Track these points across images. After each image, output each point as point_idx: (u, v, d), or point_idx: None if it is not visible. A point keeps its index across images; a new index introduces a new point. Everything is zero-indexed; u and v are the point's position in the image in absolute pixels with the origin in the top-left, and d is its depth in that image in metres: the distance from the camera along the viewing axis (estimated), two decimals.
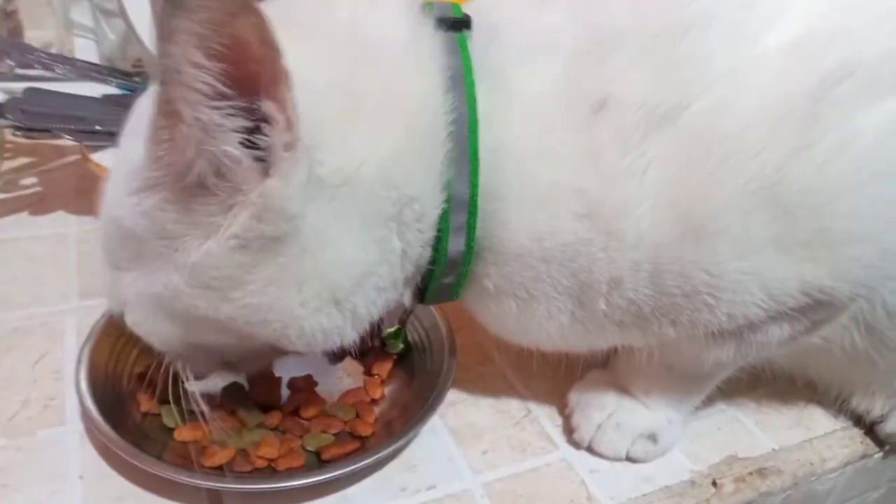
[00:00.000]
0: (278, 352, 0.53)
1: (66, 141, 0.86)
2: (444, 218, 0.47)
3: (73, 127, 0.74)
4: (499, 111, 0.46)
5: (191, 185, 0.40)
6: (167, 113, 0.38)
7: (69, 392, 0.57)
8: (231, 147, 0.39)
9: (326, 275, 0.44)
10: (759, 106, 0.42)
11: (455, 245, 0.47)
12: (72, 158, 0.90)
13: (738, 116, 0.42)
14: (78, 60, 0.84)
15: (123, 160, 0.45)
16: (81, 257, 0.75)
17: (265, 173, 0.40)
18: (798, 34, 0.43)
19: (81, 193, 0.84)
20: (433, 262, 0.48)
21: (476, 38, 0.48)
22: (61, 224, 0.80)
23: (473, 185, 0.46)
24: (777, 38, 0.43)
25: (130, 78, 0.85)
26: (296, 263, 0.43)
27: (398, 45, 0.45)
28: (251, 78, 0.37)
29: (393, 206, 0.45)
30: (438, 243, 0.48)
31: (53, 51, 0.93)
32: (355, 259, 0.45)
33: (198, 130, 0.38)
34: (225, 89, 0.37)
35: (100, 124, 0.75)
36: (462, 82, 0.45)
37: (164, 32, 0.35)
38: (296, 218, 0.41)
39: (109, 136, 0.75)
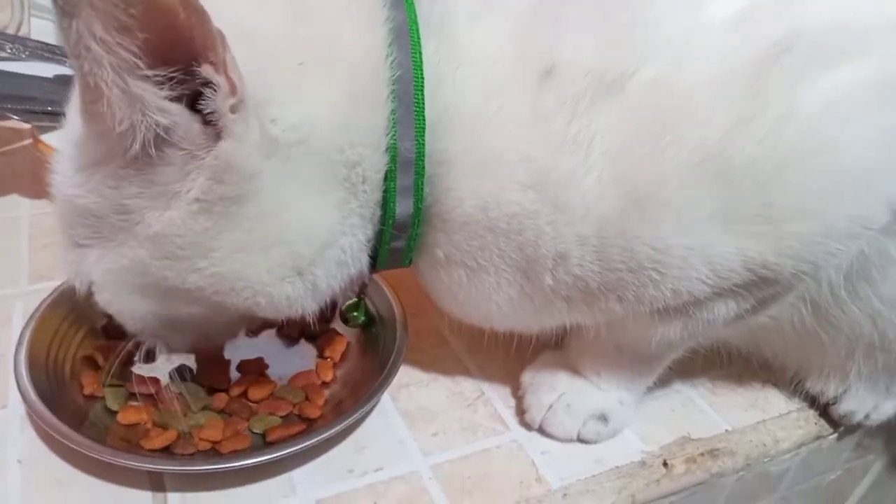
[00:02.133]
0: (251, 320, 0.53)
1: (19, 124, 0.84)
2: (390, 178, 0.46)
3: (22, 107, 0.72)
4: (445, 70, 0.45)
5: (139, 155, 0.39)
6: (88, 87, 0.36)
7: (12, 377, 0.56)
8: (172, 115, 0.38)
9: (289, 241, 0.44)
10: (702, 75, 0.41)
11: (403, 207, 0.47)
12: (27, 142, 0.88)
13: (681, 86, 0.41)
14: (29, 40, 0.82)
15: (69, 136, 0.44)
16: (32, 241, 0.74)
17: (218, 136, 0.39)
18: (744, 3, 0.42)
19: (35, 177, 0.82)
20: (382, 223, 0.48)
21: None
22: (13, 208, 0.79)
23: (419, 145, 0.45)
24: (723, 6, 0.42)
25: None
26: (259, 227, 0.42)
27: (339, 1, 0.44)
28: (183, 43, 0.36)
29: (344, 167, 0.44)
30: (385, 204, 0.47)
31: (9, 31, 0.91)
32: (316, 225, 0.44)
33: (125, 104, 0.37)
34: (146, 60, 0.36)
35: (51, 105, 0.74)
36: (407, 37, 0.44)
37: (64, 8, 0.33)
38: (255, 177, 0.41)
39: (60, 117, 0.73)
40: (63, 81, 0.78)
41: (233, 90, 0.37)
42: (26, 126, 0.88)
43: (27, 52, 0.80)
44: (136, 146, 0.39)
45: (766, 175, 0.42)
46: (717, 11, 0.42)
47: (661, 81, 0.42)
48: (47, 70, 0.79)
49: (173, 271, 0.43)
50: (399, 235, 0.48)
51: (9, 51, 0.79)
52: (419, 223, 0.48)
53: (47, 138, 0.74)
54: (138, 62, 0.35)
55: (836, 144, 0.42)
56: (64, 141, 0.45)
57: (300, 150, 0.42)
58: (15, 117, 0.72)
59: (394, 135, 0.44)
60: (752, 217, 0.43)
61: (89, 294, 0.47)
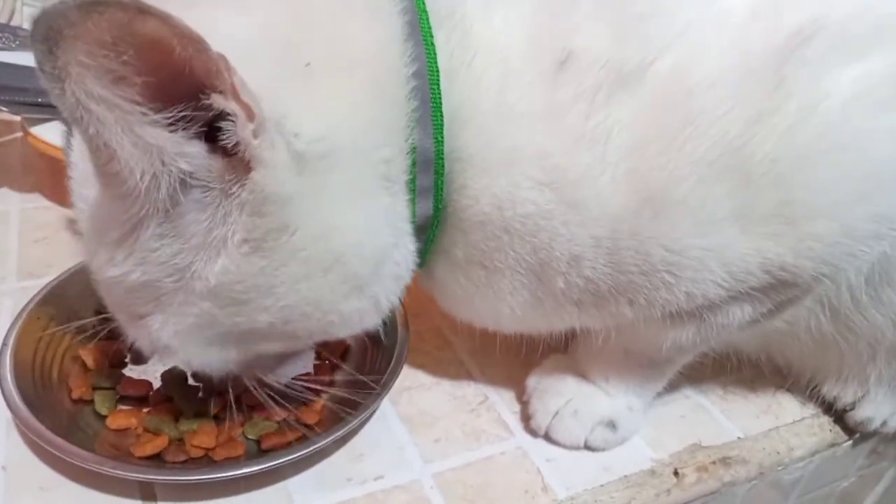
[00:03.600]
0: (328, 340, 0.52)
1: (9, 116, 0.82)
2: (412, 179, 0.44)
3: (11, 98, 0.70)
4: (458, 62, 0.43)
5: (170, 209, 0.37)
6: (99, 149, 0.33)
7: None
8: (193, 155, 0.35)
9: (345, 261, 0.41)
10: (721, 66, 0.39)
11: (423, 208, 0.45)
12: (18, 135, 0.87)
13: (699, 76, 0.39)
14: (20, 29, 0.80)
15: (91, 213, 0.41)
16: (22, 237, 0.71)
17: (247, 167, 0.36)
18: None
19: (26, 170, 0.81)
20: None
21: None
22: (3, 202, 0.76)
23: (438, 142, 0.43)
24: None
25: None
26: (313, 252, 0.40)
27: None
28: (184, 76, 0.32)
29: (379, 168, 0.42)
30: (411, 206, 0.45)
31: (2, 20, 0.89)
32: (367, 238, 0.42)
33: (141, 156, 0.34)
34: (151, 105, 0.33)
35: (42, 96, 0.71)
36: (419, 29, 0.42)
37: (52, 73, 0.30)
38: (293, 201, 0.38)
39: (51, 109, 0.71)
40: None
41: (249, 115, 0.34)
42: (16, 119, 0.86)
43: (18, 42, 0.78)
44: (164, 196, 0.36)
45: (787, 171, 0.40)
46: (735, 0, 0.40)
47: (679, 72, 0.40)
48: None
49: (242, 316, 0.41)
50: (418, 237, 0.46)
51: None
52: (438, 224, 0.46)
53: (37, 131, 0.71)
54: (143, 109, 0.33)
55: (860, 140, 0.40)
56: (86, 218, 0.42)
57: (330, 161, 0.39)
58: (4, 109, 0.70)
59: (414, 134, 0.42)
60: (771, 217, 0.41)
61: (165, 357, 0.47)
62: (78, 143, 0.42)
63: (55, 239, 0.71)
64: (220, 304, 0.40)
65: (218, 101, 0.33)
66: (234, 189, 0.36)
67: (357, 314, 0.45)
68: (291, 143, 0.37)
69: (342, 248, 0.41)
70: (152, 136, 0.33)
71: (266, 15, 0.39)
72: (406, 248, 0.45)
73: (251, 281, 0.39)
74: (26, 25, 0.87)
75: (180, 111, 0.34)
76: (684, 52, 0.40)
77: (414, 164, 0.43)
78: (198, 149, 0.35)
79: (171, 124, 0.34)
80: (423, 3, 0.43)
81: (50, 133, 0.71)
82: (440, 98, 0.42)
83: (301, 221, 0.39)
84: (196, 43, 0.31)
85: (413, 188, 0.44)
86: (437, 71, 0.42)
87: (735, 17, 0.40)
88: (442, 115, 0.43)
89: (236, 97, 0.33)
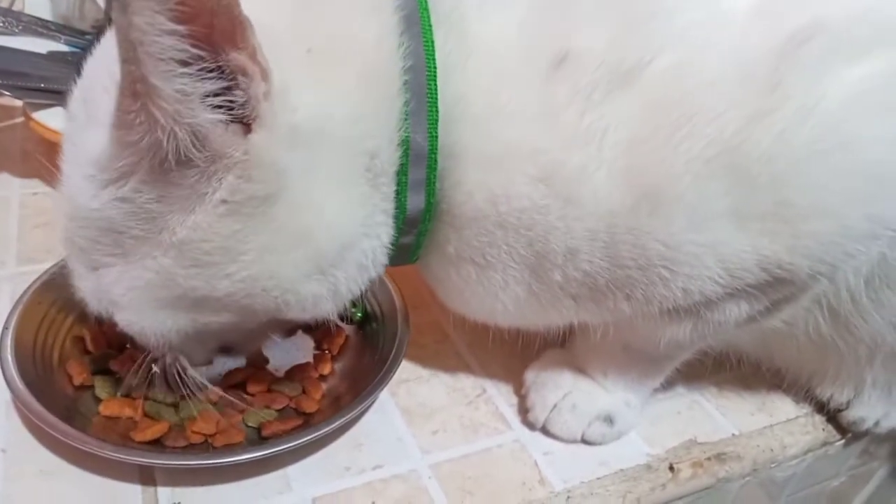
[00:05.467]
0: (275, 325, 0.51)
1: (12, 101, 0.82)
2: (402, 172, 0.44)
3: (13, 83, 0.70)
4: (455, 59, 0.43)
5: (165, 162, 0.37)
6: (135, 93, 0.34)
7: None
8: (208, 112, 0.36)
9: (314, 238, 0.42)
10: (720, 66, 0.40)
11: (414, 202, 0.45)
12: (18, 120, 0.86)
13: (697, 76, 0.40)
14: (23, 14, 0.80)
15: (80, 150, 0.41)
16: (23, 222, 0.71)
17: (246, 130, 0.37)
18: None
19: (26, 156, 0.81)
20: (394, 219, 0.46)
21: None
22: (3, 187, 0.76)
23: (432, 138, 0.43)
24: None
25: (82, 35, 0.81)
26: (287, 226, 0.41)
27: None
28: (211, 32, 0.34)
29: (364, 158, 0.42)
30: (398, 199, 0.45)
31: (1, 5, 0.89)
32: (339, 221, 0.43)
33: (174, 103, 0.34)
34: (195, 51, 0.34)
35: (44, 82, 0.71)
36: (418, 26, 0.42)
37: (121, 2, 0.31)
38: (282, 172, 0.39)
39: (54, 95, 0.71)
40: (56, 58, 0.76)
41: (264, 76, 0.35)
42: (16, 104, 0.86)
43: (20, 27, 0.77)
44: (172, 151, 0.36)
45: (783, 171, 0.40)
46: (736, 1, 0.41)
47: (678, 72, 0.40)
48: (41, 46, 0.77)
49: (202, 279, 0.41)
50: (409, 231, 0.46)
51: (1, 24, 0.76)
52: (430, 219, 0.46)
53: (39, 116, 0.71)
54: (190, 56, 0.34)
55: (856, 141, 0.40)
56: (73, 155, 0.42)
57: (321, 140, 0.40)
58: (6, 93, 0.70)
59: (406, 127, 0.43)
60: (767, 214, 0.42)
61: (109, 317, 0.45)
62: (81, 89, 0.43)
63: (55, 224, 0.70)
64: (183, 264, 0.40)
65: (238, 59, 0.35)
66: (229, 150, 0.37)
67: (312, 298, 0.44)
68: (290, 116, 0.38)
69: (313, 225, 0.42)
70: (184, 85, 0.34)
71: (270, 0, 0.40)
72: (378, 240, 0.46)
73: (219, 242, 0.40)
74: (28, 11, 0.87)
75: (208, 65, 0.35)
76: (683, 51, 0.40)
77: (405, 156, 0.44)
78: (206, 107, 0.36)
79: (200, 78, 0.35)
80: (425, 2, 0.43)
81: (52, 118, 0.71)
82: (436, 94, 0.43)
83: (283, 194, 0.40)
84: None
85: (402, 181, 0.44)
86: (435, 68, 0.43)
87: (735, 18, 0.40)
88: (437, 111, 0.43)
89: (256, 59, 0.35)
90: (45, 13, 0.88)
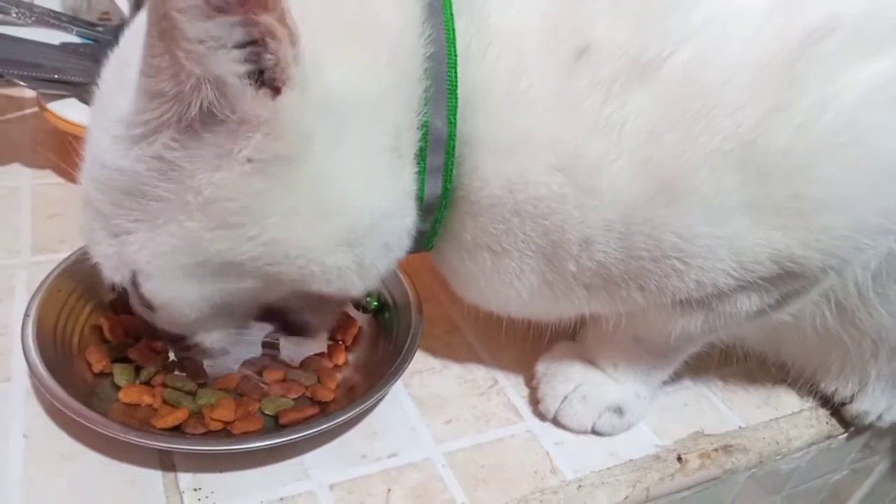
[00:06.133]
0: (302, 296, 0.50)
1: (23, 92, 0.83)
2: (421, 156, 0.45)
3: (27, 73, 0.70)
4: (476, 48, 0.44)
5: (195, 117, 0.38)
6: (163, 32, 0.35)
7: (16, 348, 0.54)
8: (233, 63, 0.36)
9: (340, 209, 0.42)
10: (738, 60, 0.40)
11: (431, 188, 0.46)
12: (29, 111, 0.87)
13: (716, 70, 0.41)
14: (35, 5, 0.80)
15: (108, 113, 0.41)
16: (35, 212, 0.72)
17: (275, 94, 0.37)
18: None
19: (38, 146, 0.81)
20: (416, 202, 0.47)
21: None
22: (15, 177, 0.77)
23: (451, 125, 0.44)
24: None
25: (93, 27, 0.82)
26: (313, 193, 0.41)
27: None
28: None
29: (390, 137, 0.43)
30: (418, 183, 0.46)
31: None
32: (366, 196, 0.43)
33: (200, 47, 0.35)
34: (218, 3, 0.34)
35: (57, 73, 0.72)
36: (440, 14, 0.43)
37: None
38: (310, 137, 0.40)
39: (67, 86, 0.72)
40: (69, 49, 0.77)
41: (293, 40, 0.36)
42: (27, 95, 0.86)
43: (33, 18, 0.78)
44: (198, 104, 0.37)
45: (798, 165, 0.41)
46: None
47: (696, 65, 0.41)
48: (53, 37, 0.77)
49: (227, 242, 0.41)
50: (426, 217, 0.47)
51: (14, 14, 0.76)
52: (446, 205, 0.47)
53: (54, 107, 0.72)
54: (214, 3, 0.34)
55: (871, 136, 0.41)
56: (100, 119, 0.43)
57: (347, 113, 0.41)
58: (21, 83, 0.70)
59: (426, 112, 0.43)
60: (781, 208, 0.42)
61: (133, 286, 0.45)
62: (116, 56, 0.44)
63: (68, 215, 0.71)
64: (209, 225, 0.40)
65: (269, 21, 0.35)
66: (257, 109, 0.37)
67: (338, 271, 0.44)
68: (320, 84, 0.39)
69: (339, 196, 0.42)
70: (211, 30, 0.34)
71: None
72: (403, 222, 0.46)
73: (244, 202, 0.40)
74: (39, 2, 0.87)
75: (237, 19, 0.35)
76: (702, 45, 0.41)
77: (424, 141, 0.44)
78: (231, 59, 0.36)
79: (228, 27, 0.35)
80: None
81: (66, 109, 0.71)
82: (456, 81, 0.43)
83: (310, 159, 0.40)
84: None
85: (422, 162, 0.45)
86: (455, 55, 0.43)
87: (753, 14, 0.41)
88: (457, 98, 0.44)
89: (283, 21, 0.35)
90: (56, 4, 0.89)
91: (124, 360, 0.55)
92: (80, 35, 0.80)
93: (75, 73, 0.72)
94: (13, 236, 0.68)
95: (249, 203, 0.40)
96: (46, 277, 0.56)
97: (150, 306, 0.46)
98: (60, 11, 0.84)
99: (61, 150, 0.76)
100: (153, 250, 0.42)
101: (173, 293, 0.44)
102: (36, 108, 0.78)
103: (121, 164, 0.40)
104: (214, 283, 0.44)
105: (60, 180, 0.76)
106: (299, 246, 0.42)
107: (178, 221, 0.41)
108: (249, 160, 0.39)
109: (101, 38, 0.81)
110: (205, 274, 0.43)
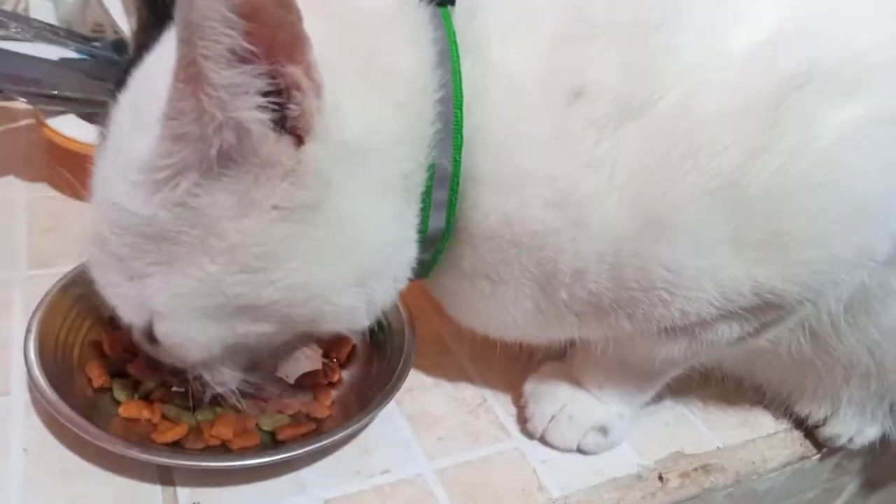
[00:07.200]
0: (306, 338, 0.53)
1: (17, 105, 0.83)
2: (427, 193, 0.47)
3: (26, 89, 0.71)
4: (479, 89, 0.46)
5: (216, 163, 0.39)
6: (188, 77, 0.35)
7: (15, 362, 0.55)
8: (255, 111, 0.37)
9: (356, 252, 0.44)
10: (722, 104, 0.43)
11: (435, 221, 0.48)
12: (23, 123, 0.87)
13: (702, 113, 0.43)
14: (34, 20, 0.81)
15: (127, 156, 0.41)
16: (32, 226, 0.72)
17: (298, 142, 0.39)
18: (764, 34, 0.43)
19: (33, 160, 0.82)
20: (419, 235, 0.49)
21: (457, 11, 0.48)
22: (10, 190, 0.77)
23: (456, 164, 0.46)
24: (744, 36, 0.43)
25: (89, 42, 0.83)
26: (332, 236, 0.43)
27: (383, 14, 0.45)
28: (268, 42, 0.35)
29: (401, 178, 0.45)
30: (422, 217, 0.48)
31: (7, 8, 0.90)
32: (380, 237, 0.45)
33: (224, 92, 0.36)
34: (250, 47, 0.35)
35: (57, 88, 0.73)
36: (449, 59, 0.45)
37: None
38: (331, 183, 0.41)
39: (66, 102, 0.73)
40: (67, 65, 0.78)
41: (317, 92, 0.38)
42: (21, 107, 0.87)
43: (32, 33, 0.79)
44: (219, 149, 0.38)
45: (779, 203, 0.43)
46: (739, 41, 0.43)
47: (683, 108, 0.43)
48: (51, 52, 0.78)
49: (248, 286, 0.42)
50: (427, 248, 0.49)
51: (13, 29, 0.77)
52: (448, 237, 0.49)
53: (54, 123, 0.73)
54: (244, 51, 0.35)
55: (845, 176, 0.44)
56: (114, 166, 0.43)
57: (366, 158, 0.43)
58: (22, 99, 0.71)
59: (434, 153, 0.46)
60: (762, 243, 0.45)
61: (147, 329, 0.45)
62: (129, 96, 0.44)
63: (64, 229, 0.72)
64: (232, 270, 0.41)
65: (295, 73, 0.36)
66: (281, 157, 0.39)
67: (349, 309, 0.46)
68: (341, 132, 0.41)
69: (356, 237, 0.44)
70: (235, 77, 0.35)
71: (318, 22, 0.40)
72: (408, 255, 0.48)
73: (269, 247, 0.41)
74: (35, 15, 0.88)
75: (261, 69, 0.36)
76: (689, 89, 0.43)
77: (431, 179, 0.46)
78: (253, 106, 0.37)
79: (252, 76, 0.36)
80: (454, 36, 0.46)
81: (65, 125, 0.72)
82: (462, 122, 0.45)
83: (331, 203, 0.42)
84: (295, 13, 0.34)
85: (426, 201, 0.47)
86: (462, 97, 0.45)
87: (737, 60, 0.43)
88: (462, 139, 0.46)
89: (311, 75, 0.37)
90: (51, 17, 0.90)
91: (123, 374, 0.56)
92: (77, 50, 0.80)
93: (73, 88, 0.73)
94: (9, 250, 0.69)
95: (274, 248, 0.41)
96: (47, 293, 0.57)
97: (155, 341, 0.46)
98: (58, 25, 0.85)
99: (62, 166, 0.77)
100: (171, 292, 0.43)
101: (187, 334, 0.45)
102: (30, 121, 0.79)
103: (142, 210, 0.41)
104: (229, 324, 0.45)
105: (56, 193, 0.77)
106: (318, 286, 0.44)
107: (200, 265, 0.41)
108: (275, 207, 0.40)
109: (97, 53, 0.82)
110: (221, 315, 0.44)
